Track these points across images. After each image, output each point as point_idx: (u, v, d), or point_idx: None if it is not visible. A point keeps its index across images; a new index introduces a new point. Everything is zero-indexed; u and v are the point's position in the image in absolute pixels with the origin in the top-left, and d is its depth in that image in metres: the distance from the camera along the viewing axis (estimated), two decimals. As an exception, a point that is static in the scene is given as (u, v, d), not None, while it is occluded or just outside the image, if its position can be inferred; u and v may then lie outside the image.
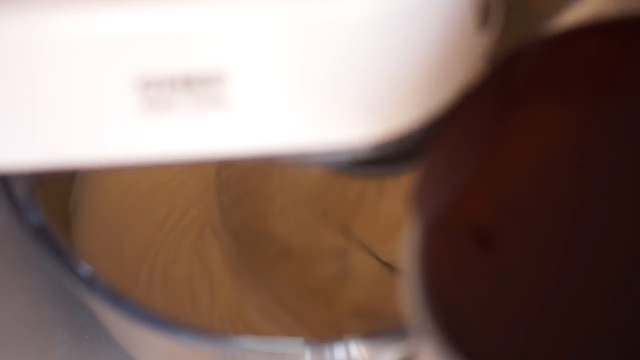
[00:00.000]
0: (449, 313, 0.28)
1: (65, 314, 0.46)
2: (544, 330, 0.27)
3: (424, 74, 0.31)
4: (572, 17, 0.34)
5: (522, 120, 0.31)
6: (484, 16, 0.33)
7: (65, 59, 0.30)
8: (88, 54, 0.30)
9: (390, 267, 0.45)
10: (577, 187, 0.29)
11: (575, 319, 0.28)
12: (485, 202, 0.30)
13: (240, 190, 0.47)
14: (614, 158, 0.30)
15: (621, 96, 0.31)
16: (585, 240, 0.29)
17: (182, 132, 0.32)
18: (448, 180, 0.30)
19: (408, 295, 0.28)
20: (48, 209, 0.38)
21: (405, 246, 0.29)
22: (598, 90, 0.31)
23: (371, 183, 0.46)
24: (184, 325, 0.35)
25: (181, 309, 0.45)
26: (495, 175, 0.30)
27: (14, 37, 0.30)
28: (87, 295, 0.37)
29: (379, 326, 0.41)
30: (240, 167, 0.47)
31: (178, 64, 0.30)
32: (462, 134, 0.31)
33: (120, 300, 0.35)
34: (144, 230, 0.46)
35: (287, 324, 0.44)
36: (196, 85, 0.30)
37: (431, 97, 0.32)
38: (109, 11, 0.30)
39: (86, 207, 0.47)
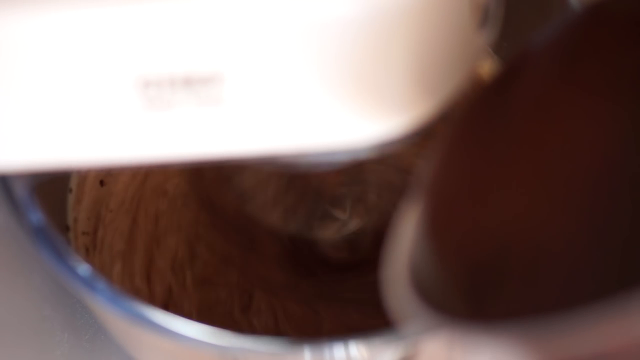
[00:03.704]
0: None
1: (65, 314, 0.46)
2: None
3: (424, 75, 0.31)
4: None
5: (541, 118, 0.29)
6: (484, 16, 0.33)
7: (65, 59, 0.30)
8: (88, 53, 0.30)
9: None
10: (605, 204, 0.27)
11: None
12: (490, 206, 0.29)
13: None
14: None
15: None
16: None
17: (182, 132, 0.32)
18: (458, 177, 0.30)
19: (400, 295, 0.28)
20: (48, 209, 0.38)
21: (401, 236, 0.29)
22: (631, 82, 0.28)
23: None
24: (183, 325, 0.35)
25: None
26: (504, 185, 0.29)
27: (14, 37, 0.30)
28: (87, 295, 0.37)
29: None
30: None
31: (178, 64, 0.30)
32: (473, 132, 0.30)
33: (120, 300, 0.35)
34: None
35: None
36: (196, 85, 0.30)
37: (430, 97, 0.32)
38: (109, 11, 0.30)
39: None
